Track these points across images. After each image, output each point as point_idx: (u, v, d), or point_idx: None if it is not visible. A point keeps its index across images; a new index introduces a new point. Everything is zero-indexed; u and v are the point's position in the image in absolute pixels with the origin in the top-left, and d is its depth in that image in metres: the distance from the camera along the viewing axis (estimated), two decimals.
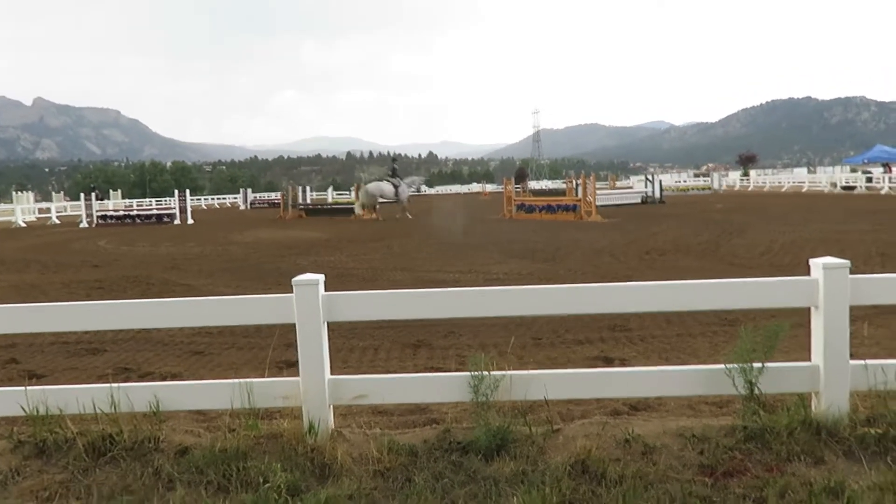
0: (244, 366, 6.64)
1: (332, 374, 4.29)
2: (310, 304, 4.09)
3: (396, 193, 31.13)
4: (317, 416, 4.14)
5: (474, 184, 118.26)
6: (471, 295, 4.26)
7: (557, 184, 79.85)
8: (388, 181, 31.76)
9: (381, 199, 31.17)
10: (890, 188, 41.12)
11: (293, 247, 19.64)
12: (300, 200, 43.56)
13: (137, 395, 4.28)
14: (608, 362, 6.22)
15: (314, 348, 4.12)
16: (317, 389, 4.15)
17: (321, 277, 4.19)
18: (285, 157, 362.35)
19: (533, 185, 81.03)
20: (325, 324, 4.19)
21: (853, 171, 55.28)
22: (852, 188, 45.09)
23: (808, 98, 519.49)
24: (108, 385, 4.33)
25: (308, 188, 60.86)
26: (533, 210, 29.74)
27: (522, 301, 4.22)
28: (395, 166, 33.18)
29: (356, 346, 7.41)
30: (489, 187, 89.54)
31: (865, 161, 54.84)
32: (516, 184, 48.04)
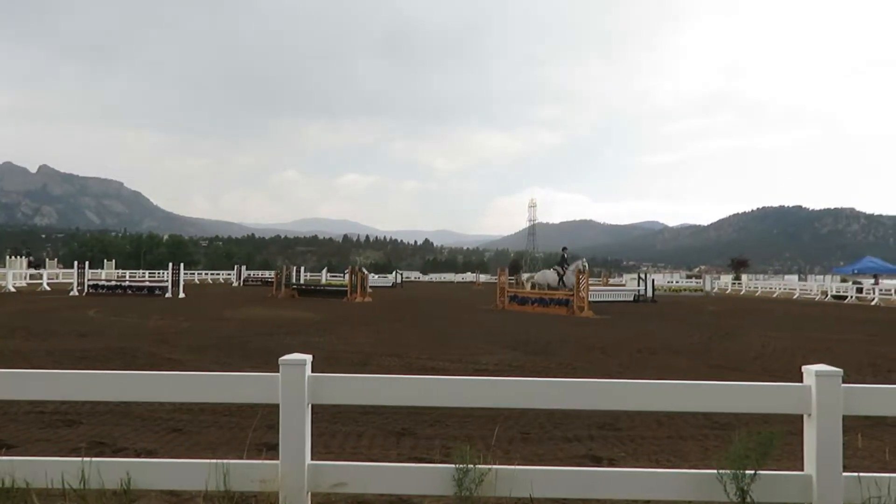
0: (223, 445, 6.45)
1: (312, 459, 4.17)
2: (295, 384, 4.01)
3: (561, 281, 30.71)
4: (294, 503, 3.99)
5: (468, 273, 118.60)
6: (459, 384, 4.19)
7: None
8: (555, 269, 31.74)
9: (548, 287, 30.92)
10: (880, 299, 41.42)
11: (283, 326, 19.48)
12: (294, 280, 43.57)
13: (109, 470, 4.13)
14: (596, 461, 6.06)
15: (296, 431, 4.02)
16: (296, 475, 4.01)
17: (308, 358, 4.13)
18: (282, 237, 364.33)
19: (526, 277, 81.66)
20: (310, 406, 4.10)
21: (843, 280, 56.11)
22: (843, 297, 45.35)
23: (799, 207, 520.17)
24: (79, 459, 4.19)
25: (303, 268, 60.93)
26: (526, 302, 29.77)
27: (511, 393, 4.15)
28: (564, 254, 32.61)
29: (339, 430, 7.23)
30: (482, 277, 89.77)
31: (855, 271, 56.03)
32: (510, 275, 48.49)
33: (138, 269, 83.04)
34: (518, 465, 4.66)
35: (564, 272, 30.83)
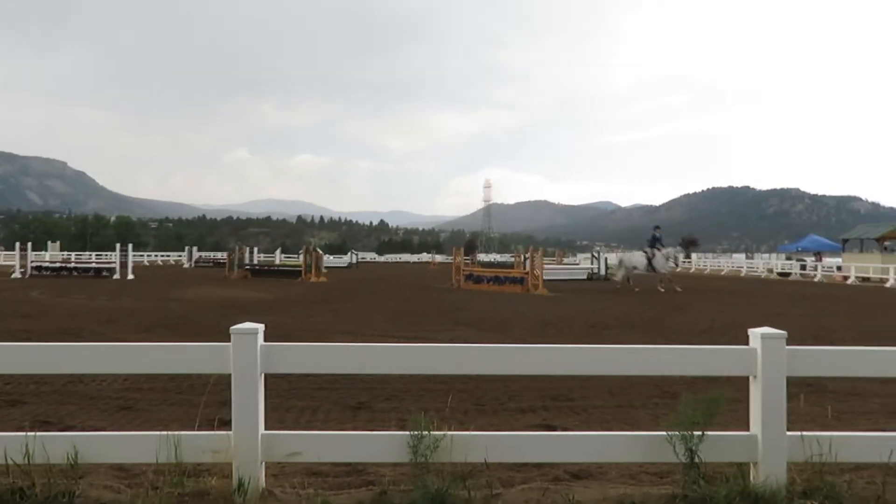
0: (174, 422, 6.32)
1: (266, 430, 4.12)
2: (247, 353, 3.95)
3: (650, 264, 28.01)
4: (247, 474, 3.94)
5: (424, 254, 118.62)
6: (415, 351, 4.19)
7: (506, 257, 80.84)
8: (644, 251, 28.64)
9: (635, 270, 28.43)
10: (822, 276, 42.75)
11: (236, 306, 19.20)
12: (247, 261, 42.92)
13: (54, 445, 4.02)
14: (550, 430, 6.14)
15: (249, 400, 3.96)
16: (249, 444, 3.96)
17: (261, 327, 4.07)
18: (234, 218, 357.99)
19: (482, 257, 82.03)
20: (263, 375, 4.05)
21: (788, 258, 57.67)
22: (787, 274, 46.85)
23: (747, 188, 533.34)
24: (22, 433, 4.06)
25: (256, 250, 60.05)
26: (481, 280, 29.84)
27: (467, 359, 4.16)
28: (655, 234, 29.01)
29: (293, 406, 7.17)
30: (438, 258, 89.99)
31: (799, 249, 58.02)
32: (466, 255, 48.47)
33: (84, 251, 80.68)
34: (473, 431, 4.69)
35: (654, 255, 27.92)
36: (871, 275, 38.00)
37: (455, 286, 30.43)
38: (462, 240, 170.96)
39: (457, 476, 4.04)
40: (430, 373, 4.41)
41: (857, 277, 38.56)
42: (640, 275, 28.88)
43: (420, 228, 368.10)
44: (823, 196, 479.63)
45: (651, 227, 29.71)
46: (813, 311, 18.75)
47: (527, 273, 27.75)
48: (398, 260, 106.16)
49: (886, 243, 40.14)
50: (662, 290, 26.75)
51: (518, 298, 23.58)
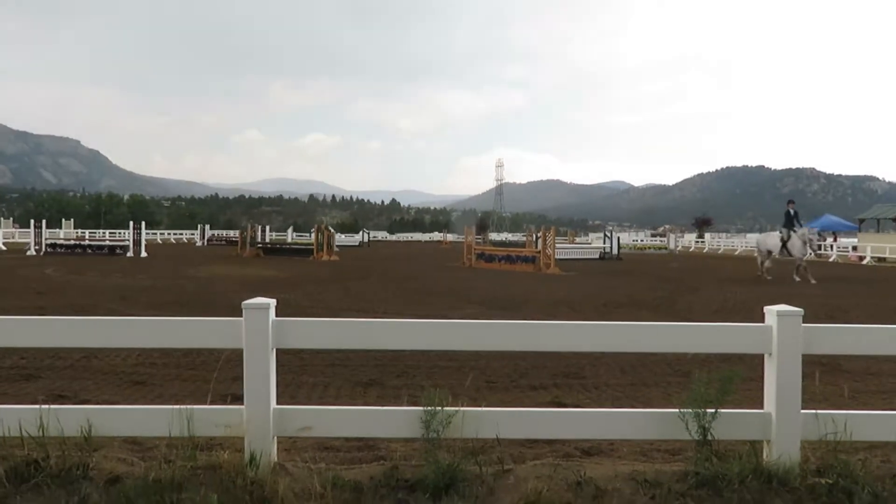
0: (187, 397, 6.37)
1: (278, 404, 4.13)
2: (259, 328, 3.95)
3: (784, 247, 23.37)
4: (259, 448, 3.96)
5: (435, 233, 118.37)
6: (426, 327, 4.17)
7: (518, 237, 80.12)
8: (780, 231, 23.94)
9: (770, 254, 24.18)
10: (838, 256, 42.20)
11: (248, 284, 19.30)
12: (259, 239, 43.07)
13: (68, 418, 4.05)
14: (561, 407, 6.15)
15: (261, 375, 3.97)
16: (261, 419, 3.98)
17: (272, 301, 4.07)
18: (246, 197, 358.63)
19: (494, 236, 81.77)
20: (274, 350, 4.05)
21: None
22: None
23: (762, 167, 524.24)
24: (36, 406, 4.09)
25: (268, 228, 60.22)
26: (493, 259, 29.76)
27: (476, 335, 4.15)
28: (790, 210, 23.77)
29: (305, 381, 7.20)
30: (450, 237, 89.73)
31: (815, 229, 57.69)
32: (477, 234, 48.26)
33: (98, 230, 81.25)
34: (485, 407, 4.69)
35: (789, 236, 23.26)
36: (888, 255, 37.57)
37: (467, 265, 30.42)
38: (474, 219, 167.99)
39: (468, 452, 4.04)
40: (439, 349, 4.40)
41: (872, 258, 38.08)
42: (784, 260, 24.25)
43: (432, 207, 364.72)
44: (839, 176, 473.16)
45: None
46: (826, 292, 18.62)
47: (538, 252, 27.66)
48: (410, 239, 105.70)
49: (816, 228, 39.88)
50: (798, 278, 22.57)
51: (530, 277, 23.59)
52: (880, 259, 37.91)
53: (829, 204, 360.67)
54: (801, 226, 23.72)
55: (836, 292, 18.53)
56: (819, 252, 42.29)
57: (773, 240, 24.33)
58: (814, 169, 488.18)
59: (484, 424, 4.01)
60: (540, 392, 6.78)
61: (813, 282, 21.99)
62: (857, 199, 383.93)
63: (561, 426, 4.15)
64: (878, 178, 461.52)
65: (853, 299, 16.55)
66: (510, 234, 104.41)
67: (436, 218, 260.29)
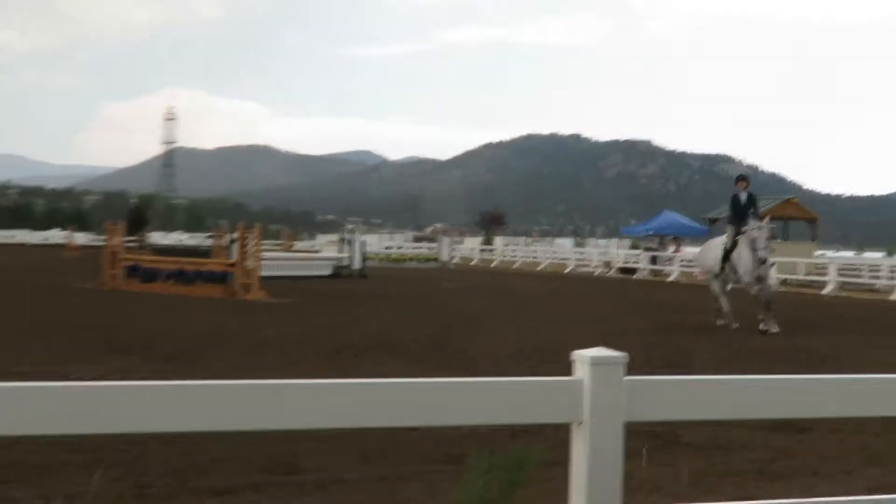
0: None
1: None
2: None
3: (727, 262, 13.99)
4: None
5: (55, 230, 74.50)
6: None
7: (199, 238, 56.60)
8: (729, 230, 14.22)
9: (716, 277, 14.41)
10: (680, 273, 30.97)
11: None
12: None
13: None
14: None
15: None
16: None
17: None
18: None
19: (158, 238, 58.37)
20: None
21: (634, 246, 44.39)
22: (632, 271, 34.82)
23: (578, 137, 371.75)
24: None
25: None
26: (155, 277, 20.56)
27: (112, 404, 2.46)
28: (738, 193, 14.26)
29: None
30: (80, 238, 55.36)
31: (650, 232, 40.51)
32: (130, 234, 33.19)
33: None
34: None
35: (734, 244, 13.78)
36: None
37: (110, 285, 20.98)
38: (124, 207, 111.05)
39: None
40: (41, 433, 2.55)
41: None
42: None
43: (48, 187, 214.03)
44: (684, 154, 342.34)
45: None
46: (665, 327, 14.07)
47: (233, 265, 19.85)
48: (10, 240, 64.80)
49: (772, 225, 25.03)
50: (765, 327, 13.09)
51: (219, 306, 16.73)
52: None
53: (669, 195, 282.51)
54: (750, 221, 13.57)
55: (676, 328, 14.01)
56: (655, 267, 34.20)
57: (713, 254, 14.76)
58: (650, 143, 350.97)
59: None
60: (227, 499, 4.51)
61: (775, 330, 13.08)
62: (707, 189, 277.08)
63: None
64: (733, 159, 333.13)
65: (699, 337, 12.76)
66: (187, 235, 71.40)
67: (55, 205, 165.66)
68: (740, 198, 14.16)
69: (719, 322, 14.01)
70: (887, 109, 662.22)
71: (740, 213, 13.89)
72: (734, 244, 13.81)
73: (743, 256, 13.47)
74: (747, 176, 15.03)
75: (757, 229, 13.23)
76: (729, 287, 14.39)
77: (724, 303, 14.15)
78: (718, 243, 14.83)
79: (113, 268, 21.06)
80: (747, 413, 2.99)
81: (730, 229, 14.15)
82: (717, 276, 14.28)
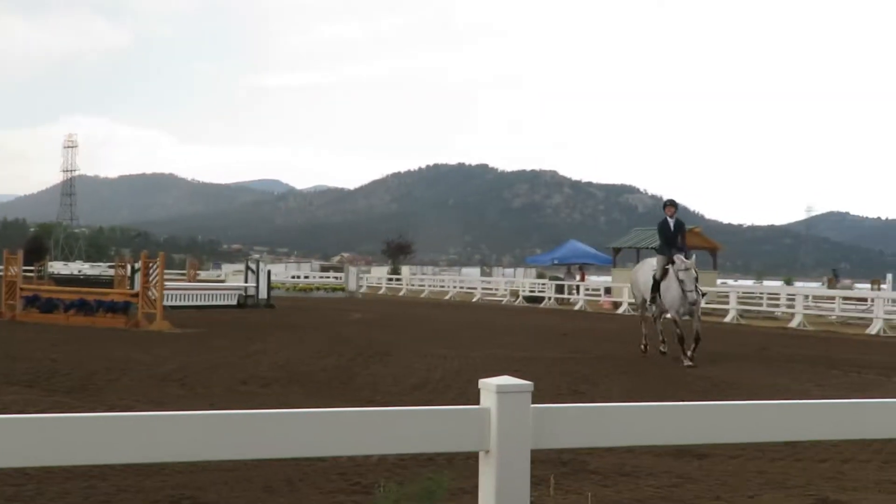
0: None
1: None
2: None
3: (656, 292, 13.97)
4: None
5: None
6: None
7: (101, 268, 54.05)
8: (659, 259, 14.10)
9: (648, 305, 14.52)
10: (585, 302, 31.84)
11: None
12: None
13: None
14: None
15: None
16: None
17: None
18: None
19: (58, 268, 54.28)
20: None
21: (540, 275, 44.89)
22: (539, 300, 35.16)
23: (485, 167, 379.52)
24: None
25: None
26: (54, 307, 20.06)
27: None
28: (668, 219, 14.12)
29: None
30: None
31: (555, 261, 41.91)
32: (28, 264, 31.54)
33: None
34: None
35: (664, 273, 13.66)
36: None
37: (7, 316, 20.33)
38: (21, 235, 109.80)
39: None
40: None
41: (631, 304, 25.56)
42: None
43: None
44: (589, 184, 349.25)
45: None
46: (571, 354, 14.19)
47: (136, 295, 19.26)
48: None
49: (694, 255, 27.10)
50: (688, 361, 12.73)
51: (121, 337, 16.18)
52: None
53: (575, 224, 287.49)
54: (680, 251, 13.63)
55: (582, 355, 14.33)
56: (561, 296, 34.57)
57: (644, 278, 14.75)
58: (556, 173, 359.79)
59: None
60: None
61: (689, 364, 12.65)
62: (611, 219, 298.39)
63: None
64: (638, 190, 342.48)
65: (603, 366, 12.96)
66: (88, 265, 67.28)
67: None
68: (669, 223, 14.19)
69: (662, 349, 14.14)
70: (786, 141, 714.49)
71: (670, 239, 14.00)
72: (664, 274, 13.81)
73: (672, 289, 13.50)
74: (675, 202, 14.91)
75: (684, 270, 13.19)
76: (660, 315, 14.45)
77: (648, 327, 14.43)
78: (648, 269, 14.78)
79: (11, 298, 20.47)
80: (650, 440, 3.04)
81: (660, 260, 14.14)
82: (649, 302, 14.36)
